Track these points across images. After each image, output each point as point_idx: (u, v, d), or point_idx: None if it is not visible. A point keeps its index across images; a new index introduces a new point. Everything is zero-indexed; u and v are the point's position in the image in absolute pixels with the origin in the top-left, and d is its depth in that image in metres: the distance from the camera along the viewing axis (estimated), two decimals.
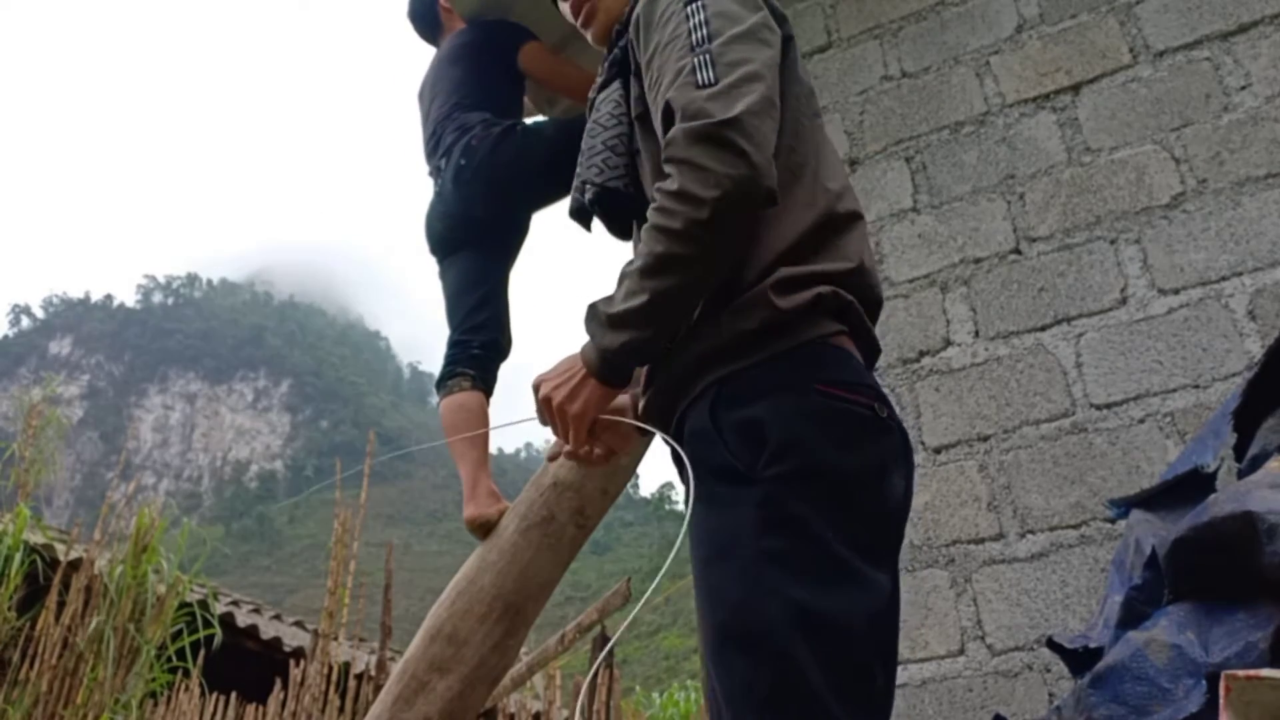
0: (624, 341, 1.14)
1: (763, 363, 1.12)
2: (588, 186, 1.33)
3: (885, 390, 1.35)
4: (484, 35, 2.86)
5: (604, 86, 1.41)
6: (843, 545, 1.03)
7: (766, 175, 1.08)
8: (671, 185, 1.10)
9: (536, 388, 1.23)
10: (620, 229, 1.41)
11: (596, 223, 1.42)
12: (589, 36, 1.50)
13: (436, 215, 2.74)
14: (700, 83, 1.13)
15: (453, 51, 2.86)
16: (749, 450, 1.07)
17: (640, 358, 1.18)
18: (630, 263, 1.15)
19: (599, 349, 1.16)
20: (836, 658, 0.98)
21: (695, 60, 1.15)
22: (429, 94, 2.83)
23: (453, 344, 2.61)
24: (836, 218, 1.21)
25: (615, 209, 1.35)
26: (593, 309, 1.17)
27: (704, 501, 1.10)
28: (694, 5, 1.22)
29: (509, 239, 2.74)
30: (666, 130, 1.15)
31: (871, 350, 1.24)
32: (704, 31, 1.18)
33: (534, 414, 1.26)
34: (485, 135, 2.60)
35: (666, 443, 1.22)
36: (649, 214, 1.13)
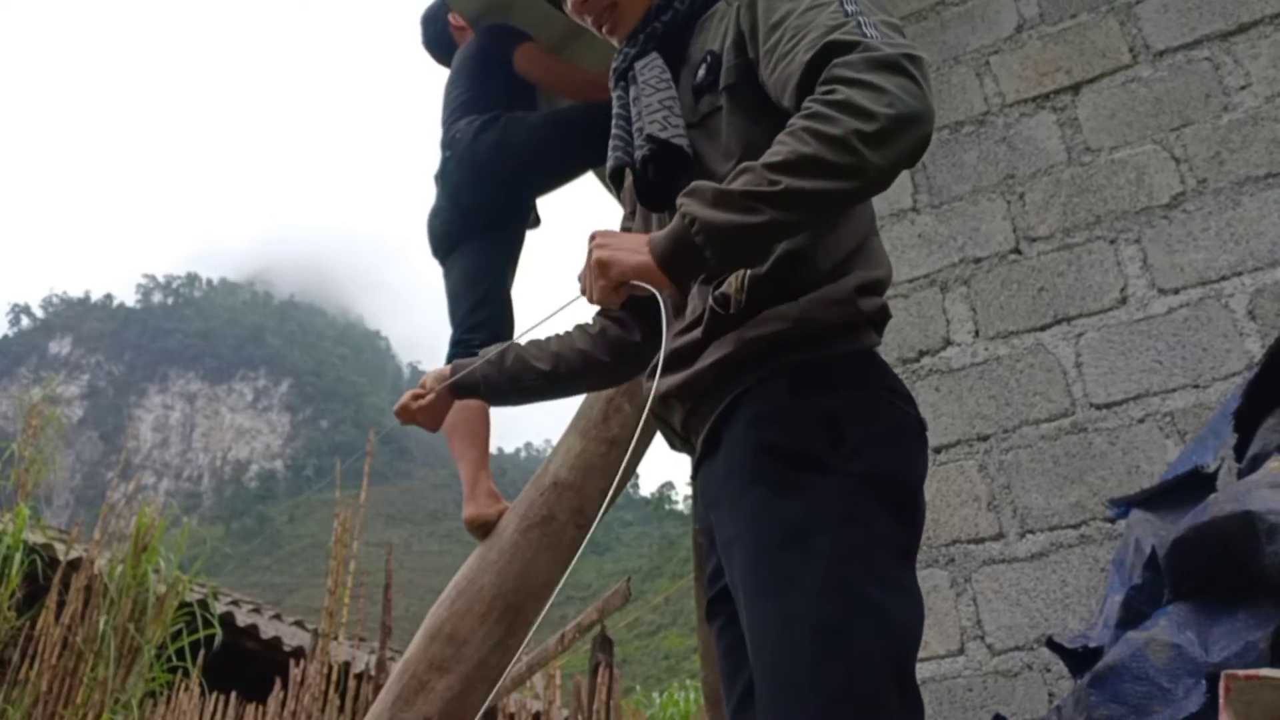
0: (726, 221, 1.04)
1: (842, 358, 1.15)
2: (645, 142, 1.25)
3: None
4: (479, 44, 2.87)
5: (637, 57, 1.37)
6: (900, 550, 1.08)
7: (932, 121, 1.07)
8: (837, 96, 1.04)
9: (592, 238, 1.19)
10: (656, 195, 1.31)
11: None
12: (614, 39, 1.45)
13: (432, 214, 2.76)
14: (867, 35, 1.10)
15: (457, 65, 2.89)
16: (829, 442, 1.09)
17: (732, 250, 1.07)
18: (751, 163, 1.06)
19: (688, 219, 1.06)
20: (898, 658, 1.01)
21: (857, 21, 1.12)
22: (442, 109, 2.86)
23: (454, 343, 2.61)
24: (873, 222, 1.28)
25: (668, 169, 1.26)
26: (697, 188, 1.08)
27: (769, 485, 1.08)
28: None
29: (503, 229, 2.74)
30: (799, 90, 1.11)
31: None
32: (855, 5, 1.15)
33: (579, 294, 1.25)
34: (467, 128, 2.62)
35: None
36: (795, 120, 1.06)
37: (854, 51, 1.08)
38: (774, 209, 1.03)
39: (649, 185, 1.30)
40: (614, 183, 1.41)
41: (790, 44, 1.16)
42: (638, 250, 1.12)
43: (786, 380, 1.12)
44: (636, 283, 1.14)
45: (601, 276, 1.15)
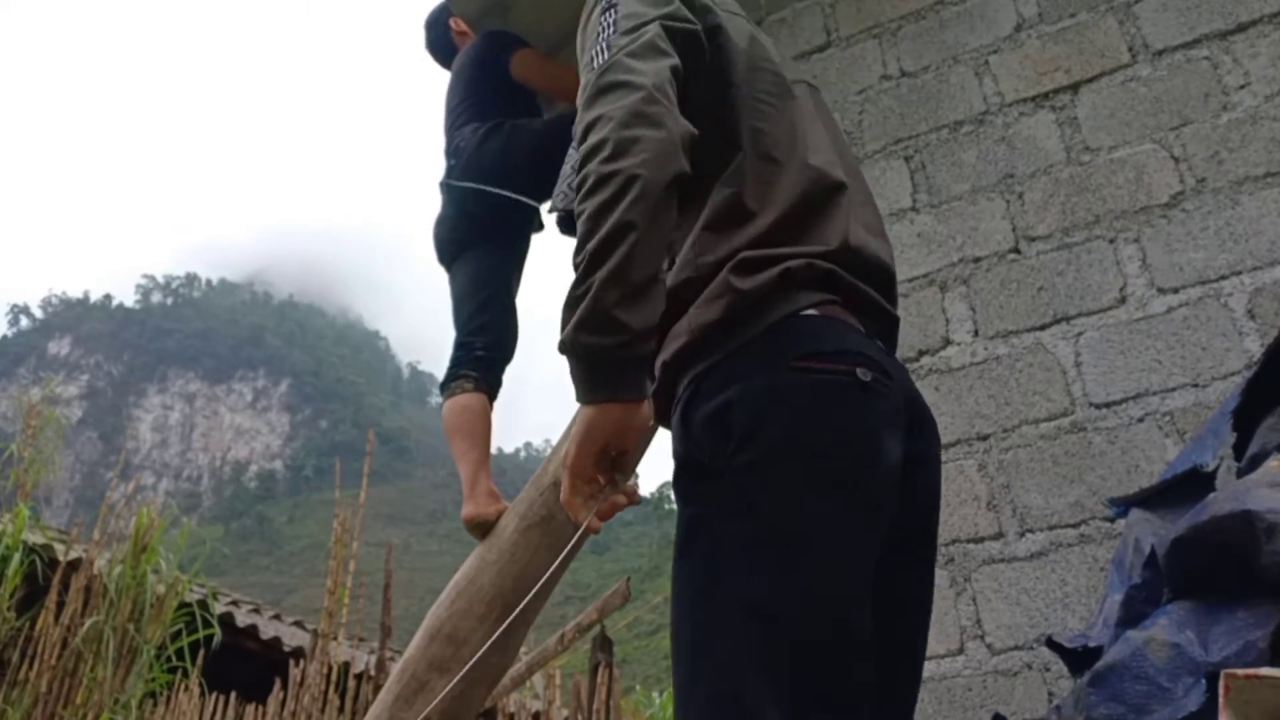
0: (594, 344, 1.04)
1: (735, 352, 1.06)
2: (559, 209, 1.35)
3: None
4: (476, 50, 2.88)
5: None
6: (813, 524, 0.95)
7: (651, 105, 1.06)
8: (581, 154, 1.09)
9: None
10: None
11: None
12: None
13: (438, 222, 2.78)
14: (595, 64, 1.13)
15: (456, 71, 2.90)
16: (716, 442, 1.02)
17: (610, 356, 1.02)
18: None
19: (566, 351, 1.06)
20: (793, 653, 0.91)
21: (602, 44, 1.15)
22: (444, 116, 2.87)
23: (457, 346, 2.63)
24: (813, 198, 1.15)
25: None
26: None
27: (679, 500, 1.06)
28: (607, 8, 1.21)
29: (508, 236, 2.75)
30: None
31: (881, 318, 1.17)
32: (613, 14, 1.18)
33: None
34: (472, 136, 2.64)
35: None
36: None
37: (584, 94, 1.11)
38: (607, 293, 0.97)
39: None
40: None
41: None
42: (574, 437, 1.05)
43: (690, 393, 1.08)
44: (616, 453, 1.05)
45: (574, 491, 1.06)
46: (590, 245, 0.99)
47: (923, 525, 1.15)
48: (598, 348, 0.98)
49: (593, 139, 1.04)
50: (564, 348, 1.00)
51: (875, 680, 0.97)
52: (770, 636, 0.91)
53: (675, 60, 1.13)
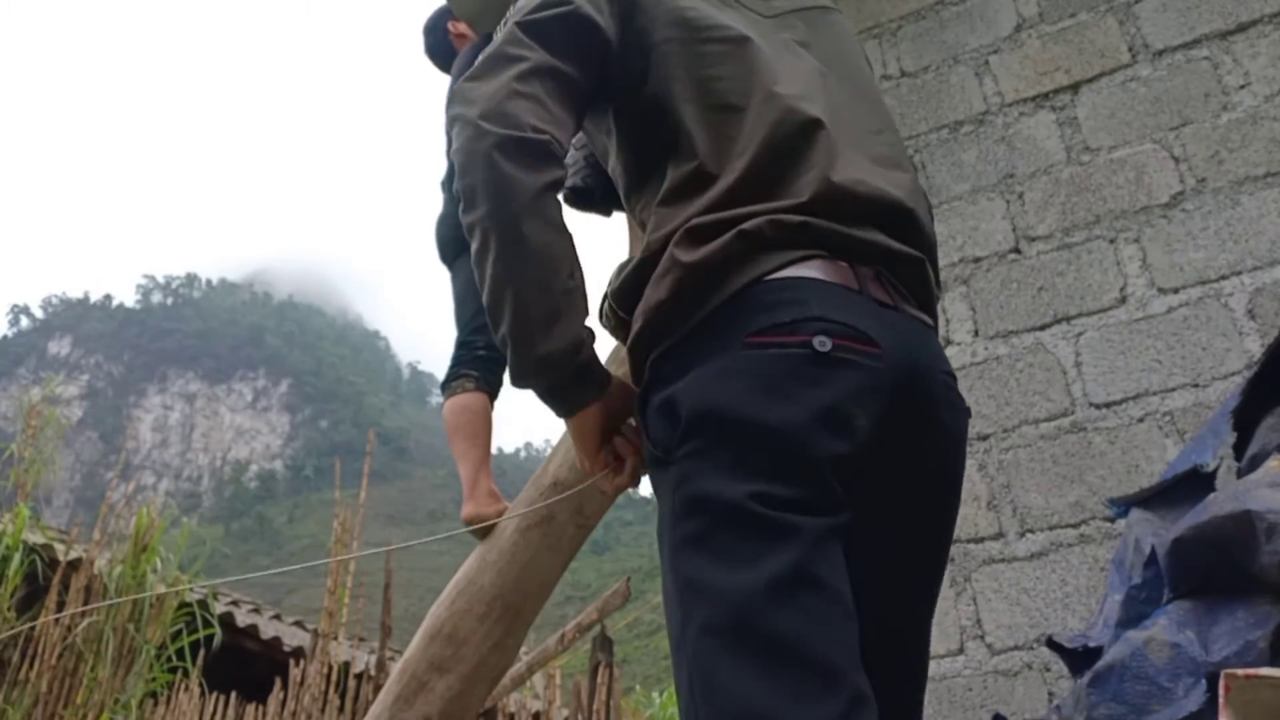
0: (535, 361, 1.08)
1: (690, 333, 0.98)
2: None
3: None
4: (477, 49, 2.88)
5: None
6: (776, 507, 0.88)
7: (496, 136, 1.02)
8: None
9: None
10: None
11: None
12: None
13: (439, 221, 2.78)
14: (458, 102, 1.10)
15: (455, 72, 2.89)
16: (666, 432, 0.96)
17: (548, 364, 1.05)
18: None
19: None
20: (740, 633, 0.85)
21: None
22: (445, 117, 2.86)
23: (458, 345, 2.63)
24: (780, 143, 1.04)
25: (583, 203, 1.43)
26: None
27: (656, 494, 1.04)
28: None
29: None
30: None
31: (892, 260, 1.04)
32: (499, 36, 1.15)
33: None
34: None
35: None
36: None
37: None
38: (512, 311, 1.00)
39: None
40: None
41: None
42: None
43: (649, 380, 1.02)
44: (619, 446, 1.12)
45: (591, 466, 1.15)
46: (485, 300, 1.02)
47: (930, 497, 1.05)
48: (540, 384, 1.03)
49: (454, 144, 1.05)
50: (517, 386, 1.05)
51: (879, 660, 0.92)
52: (735, 621, 0.86)
53: (530, 59, 1.05)
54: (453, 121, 1.04)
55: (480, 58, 1.07)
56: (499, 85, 1.03)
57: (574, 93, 1.08)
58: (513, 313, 0.99)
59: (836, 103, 1.13)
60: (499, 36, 1.09)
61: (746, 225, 0.98)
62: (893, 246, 1.04)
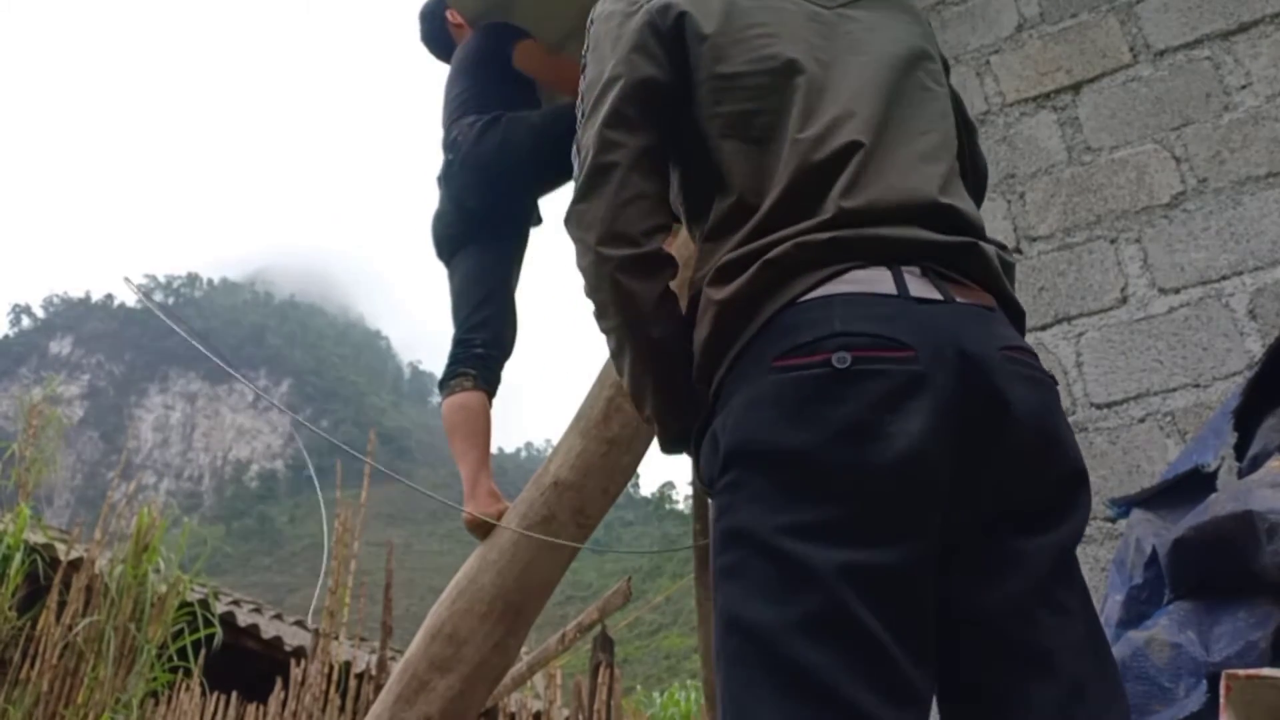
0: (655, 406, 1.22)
1: (730, 365, 1.02)
2: None
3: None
4: (478, 41, 2.87)
5: None
6: (809, 538, 0.88)
7: (610, 252, 1.12)
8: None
9: None
10: None
11: None
12: None
13: (436, 217, 2.77)
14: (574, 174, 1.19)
15: (456, 63, 2.88)
16: (710, 464, 1.01)
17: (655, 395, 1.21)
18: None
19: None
20: (793, 683, 0.84)
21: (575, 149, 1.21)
22: (442, 109, 2.85)
23: (456, 343, 2.62)
24: (810, 169, 1.05)
25: None
26: None
27: None
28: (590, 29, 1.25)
29: (507, 230, 2.74)
30: None
31: (930, 251, 1.02)
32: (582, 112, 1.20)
33: None
34: (469, 129, 2.62)
35: None
36: None
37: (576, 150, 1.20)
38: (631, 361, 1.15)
39: None
40: None
41: None
42: None
43: (705, 415, 1.07)
44: None
45: None
46: (627, 388, 1.19)
47: (1031, 472, 0.99)
48: (685, 449, 1.19)
49: (578, 263, 1.14)
50: (667, 454, 1.24)
51: (983, 697, 0.93)
52: (778, 668, 0.86)
53: (621, 162, 1.12)
54: (574, 242, 1.15)
55: (580, 174, 1.14)
56: (606, 206, 1.10)
57: (663, 152, 1.18)
58: (654, 399, 1.16)
59: (889, 100, 1.13)
60: (585, 135, 1.15)
61: (772, 254, 1.01)
62: (935, 239, 1.03)
